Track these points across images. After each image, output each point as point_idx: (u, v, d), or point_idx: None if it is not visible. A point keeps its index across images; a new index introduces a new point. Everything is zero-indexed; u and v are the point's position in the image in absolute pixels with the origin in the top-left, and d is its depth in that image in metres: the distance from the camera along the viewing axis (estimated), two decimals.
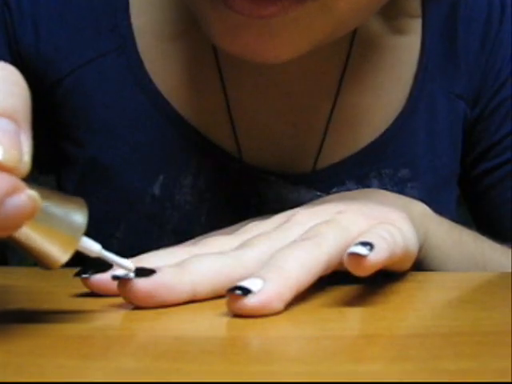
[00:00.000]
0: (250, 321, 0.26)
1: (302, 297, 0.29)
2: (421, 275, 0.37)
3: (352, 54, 0.49)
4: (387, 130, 0.50)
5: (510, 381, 0.18)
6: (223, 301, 0.27)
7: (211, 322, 0.26)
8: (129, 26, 0.48)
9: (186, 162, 0.48)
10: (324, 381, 0.18)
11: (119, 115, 0.48)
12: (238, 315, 0.26)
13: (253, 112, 0.49)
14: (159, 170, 0.48)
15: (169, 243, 0.44)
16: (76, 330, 0.24)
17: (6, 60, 0.46)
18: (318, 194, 0.48)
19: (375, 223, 0.32)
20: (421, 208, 0.40)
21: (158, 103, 0.48)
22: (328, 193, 0.48)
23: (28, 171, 0.22)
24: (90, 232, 0.49)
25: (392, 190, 0.45)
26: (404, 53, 0.51)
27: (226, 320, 0.26)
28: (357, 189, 0.48)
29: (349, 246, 0.29)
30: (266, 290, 0.26)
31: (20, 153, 0.21)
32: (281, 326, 0.25)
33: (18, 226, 0.22)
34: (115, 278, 0.27)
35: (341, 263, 0.30)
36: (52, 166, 0.54)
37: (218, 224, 0.43)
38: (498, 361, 0.21)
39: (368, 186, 0.49)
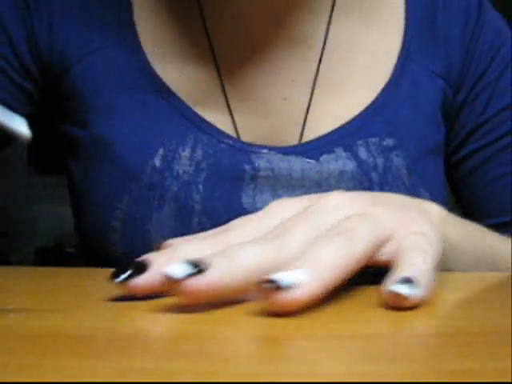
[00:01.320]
0: (250, 321, 0.26)
1: None
2: None
3: (332, 27, 0.53)
4: (372, 102, 0.53)
5: (509, 381, 0.18)
6: (223, 301, 0.27)
7: (211, 322, 0.26)
8: (130, 15, 0.53)
9: (183, 137, 0.51)
10: (324, 381, 0.18)
11: (123, 97, 0.52)
12: (272, 311, 0.26)
13: (245, 88, 0.53)
14: (159, 145, 0.51)
15: (169, 210, 0.50)
16: (76, 330, 0.24)
17: (23, 53, 0.52)
18: (308, 160, 0.51)
19: (406, 226, 0.33)
20: (437, 210, 0.41)
21: (158, 87, 0.52)
22: (317, 160, 0.51)
23: None
24: (97, 205, 0.52)
25: (378, 158, 0.51)
26: (386, 30, 0.55)
27: (225, 320, 0.26)
28: (345, 156, 0.51)
29: (380, 242, 0.31)
30: (303, 284, 0.26)
31: None
32: (281, 326, 0.25)
33: None
34: (168, 277, 0.27)
35: (370, 260, 0.31)
36: (57, 162, 0.58)
37: (215, 190, 0.50)
38: (498, 361, 0.21)
39: (356, 153, 0.52)
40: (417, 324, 0.27)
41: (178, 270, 0.26)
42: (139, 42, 0.53)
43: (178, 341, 0.23)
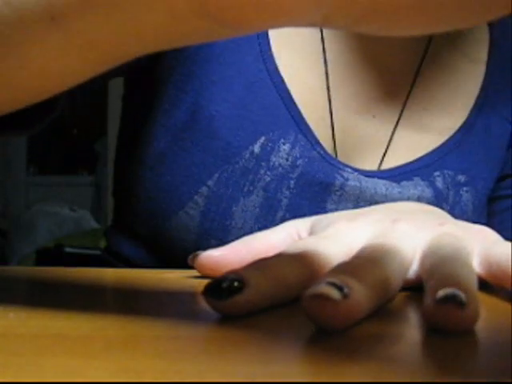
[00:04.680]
0: (250, 321, 0.26)
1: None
2: None
3: (425, 61, 0.56)
4: (449, 139, 0.56)
5: (510, 381, 0.18)
6: None
7: (211, 322, 0.26)
8: None
9: (286, 132, 0.52)
10: (324, 381, 0.18)
11: (237, 73, 0.52)
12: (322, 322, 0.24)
13: (349, 103, 0.55)
14: (262, 132, 0.52)
15: (256, 198, 0.51)
16: (76, 330, 0.24)
17: None
18: (390, 182, 0.54)
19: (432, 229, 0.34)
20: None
21: (273, 74, 0.53)
22: (399, 183, 0.54)
23: None
24: (183, 176, 0.53)
25: (451, 190, 0.55)
26: (469, 75, 0.58)
27: (225, 320, 0.26)
28: (423, 184, 0.54)
29: (409, 263, 0.31)
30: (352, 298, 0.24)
31: None
32: (281, 326, 0.25)
33: None
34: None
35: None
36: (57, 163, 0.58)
37: (304, 190, 0.52)
38: (497, 361, 0.21)
39: (433, 182, 0.55)
40: (414, 324, 0.27)
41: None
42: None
43: (178, 341, 0.23)
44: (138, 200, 0.56)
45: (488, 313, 0.28)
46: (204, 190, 0.52)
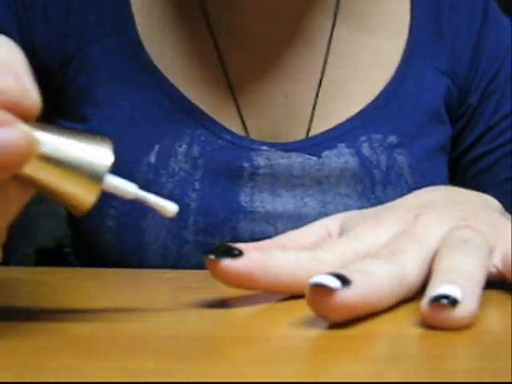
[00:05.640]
0: (250, 321, 0.26)
1: (301, 297, 0.29)
2: None
3: (337, 25, 0.53)
4: (376, 98, 0.53)
5: (509, 381, 0.18)
6: (223, 302, 0.27)
7: (211, 322, 0.26)
8: (129, 8, 0.52)
9: (180, 133, 0.51)
10: (324, 381, 0.18)
11: (120, 89, 0.51)
12: (321, 315, 0.24)
13: (251, 83, 0.52)
14: (155, 140, 0.50)
15: None
16: (76, 330, 0.24)
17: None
18: (309, 157, 0.51)
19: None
20: (498, 203, 0.39)
21: (155, 78, 0.51)
22: (319, 156, 0.51)
23: (38, 108, 0.22)
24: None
25: (381, 155, 0.51)
26: (391, 28, 0.55)
27: (226, 320, 0.26)
28: (348, 152, 0.51)
29: (432, 257, 0.29)
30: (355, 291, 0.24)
31: (23, 86, 0.21)
32: (281, 326, 0.25)
33: (15, 164, 0.21)
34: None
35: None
36: None
37: (212, 188, 0.49)
38: (498, 361, 0.21)
39: (359, 150, 0.52)
40: (414, 324, 0.27)
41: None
42: (139, 37, 0.52)
43: (178, 341, 0.23)
44: (71, 228, 0.57)
45: (489, 312, 0.28)
46: (112, 212, 0.51)
